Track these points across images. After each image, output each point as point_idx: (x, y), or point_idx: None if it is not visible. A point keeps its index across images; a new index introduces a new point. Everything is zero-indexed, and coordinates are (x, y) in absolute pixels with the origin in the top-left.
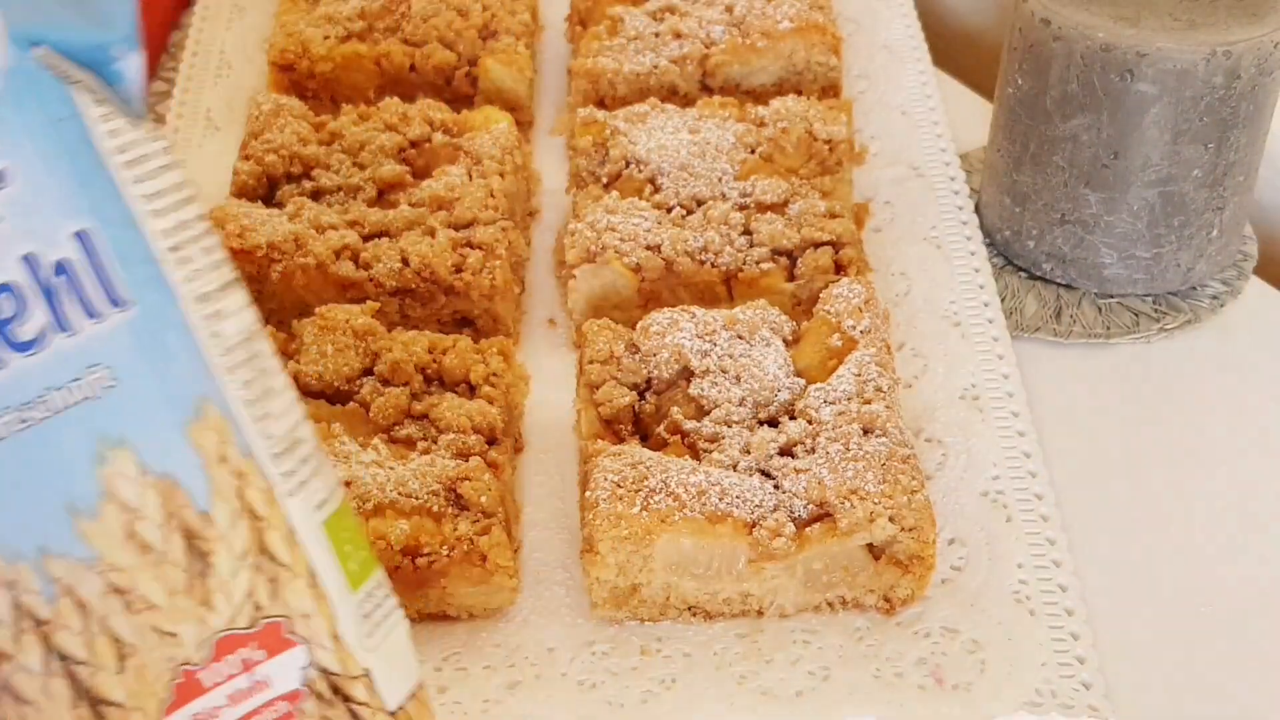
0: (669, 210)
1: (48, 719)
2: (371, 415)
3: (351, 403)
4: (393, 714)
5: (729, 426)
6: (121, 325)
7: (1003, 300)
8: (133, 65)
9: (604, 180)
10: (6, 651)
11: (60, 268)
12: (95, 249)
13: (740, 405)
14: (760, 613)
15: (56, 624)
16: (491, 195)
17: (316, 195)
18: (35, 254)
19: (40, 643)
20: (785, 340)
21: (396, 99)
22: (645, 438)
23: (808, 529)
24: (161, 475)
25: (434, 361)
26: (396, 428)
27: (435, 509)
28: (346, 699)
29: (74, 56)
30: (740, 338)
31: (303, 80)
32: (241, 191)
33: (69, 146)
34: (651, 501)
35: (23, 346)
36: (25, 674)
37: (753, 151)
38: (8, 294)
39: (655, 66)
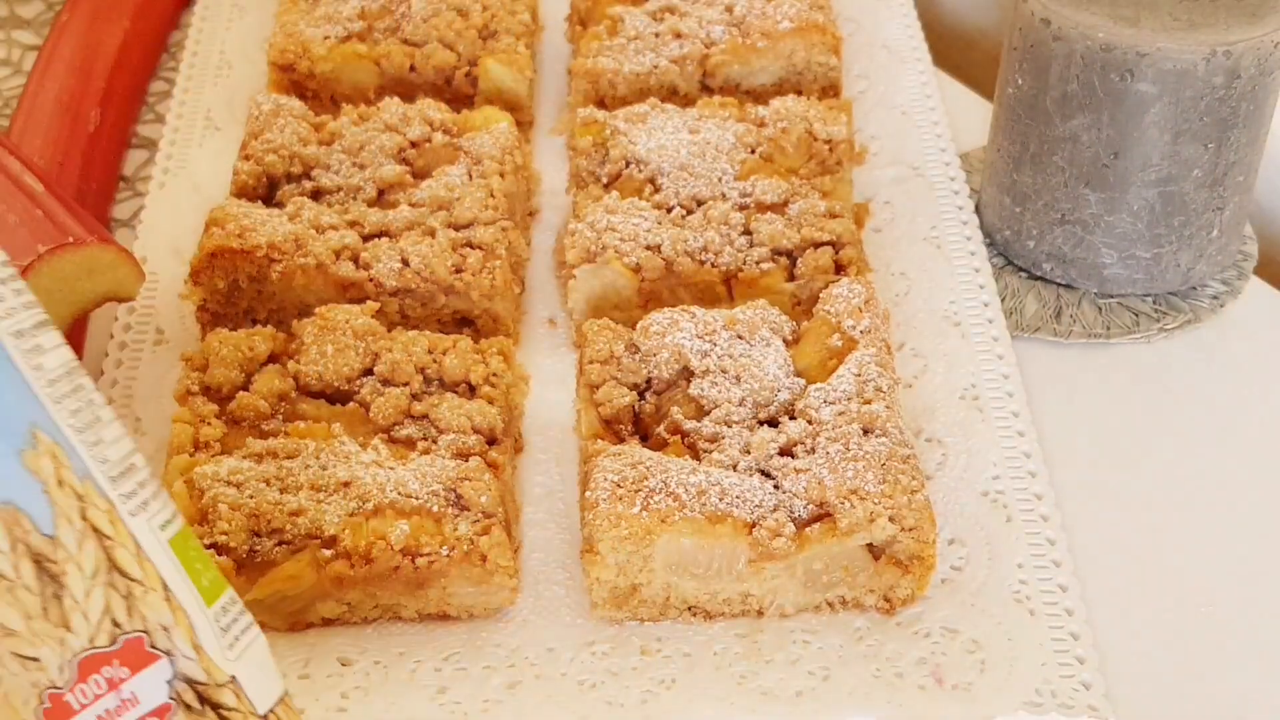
0: (669, 210)
1: None
2: (371, 415)
3: (351, 403)
4: (263, 717)
5: (729, 426)
6: None
7: (1003, 300)
8: None
9: (604, 180)
10: None
11: None
12: None
13: (740, 405)
14: (760, 613)
15: None
16: (491, 195)
17: (316, 195)
18: None
19: None
20: (785, 340)
21: (396, 99)
22: (645, 438)
23: (808, 529)
24: (3, 503)
25: (434, 362)
26: (396, 428)
27: (435, 509)
28: (216, 706)
29: None
30: (740, 338)
31: (303, 80)
32: (241, 192)
33: None
34: (651, 501)
35: None
36: None
37: (753, 151)
38: None
39: (655, 66)
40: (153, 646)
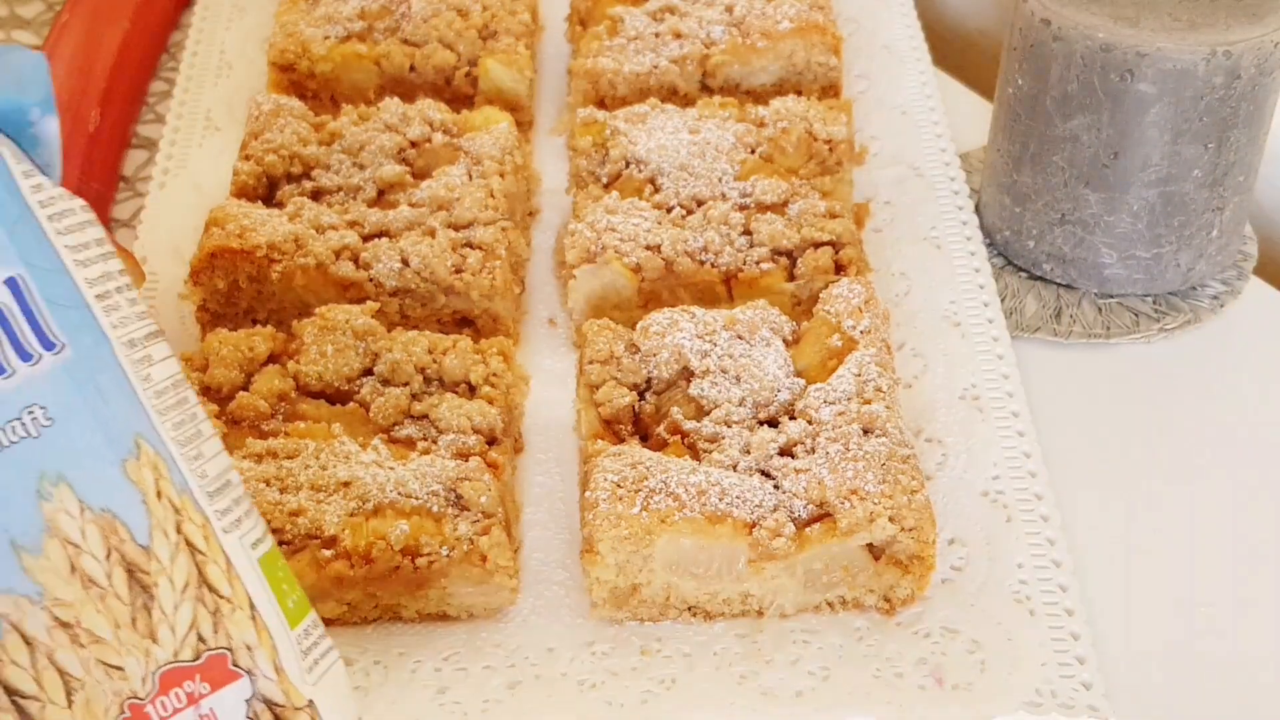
0: (669, 210)
1: None
2: (371, 415)
3: (351, 403)
4: None
5: (729, 426)
6: (56, 367)
7: (1003, 300)
8: (50, 129)
9: (604, 180)
10: None
11: None
12: (26, 295)
13: (740, 405)
14: (760, 613)
15: (4, 659)
16: (491, 195)
17: (316, 195)
18: None
19: None
20: (785, 340)
21: (396, 99)
22: (645, 438)
23: (808, 529)
24: (101, 510)
25: (434, 362)
26: (396, 428)
27: (435, 509)
28: None
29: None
30: (740, 338)
31: (303, 80)
32: (241, 192)
33: None
34: (651, 501)
35: None
36: None
37: (753, 152)
38: None
39: (655, 67)
40: (235, 665)
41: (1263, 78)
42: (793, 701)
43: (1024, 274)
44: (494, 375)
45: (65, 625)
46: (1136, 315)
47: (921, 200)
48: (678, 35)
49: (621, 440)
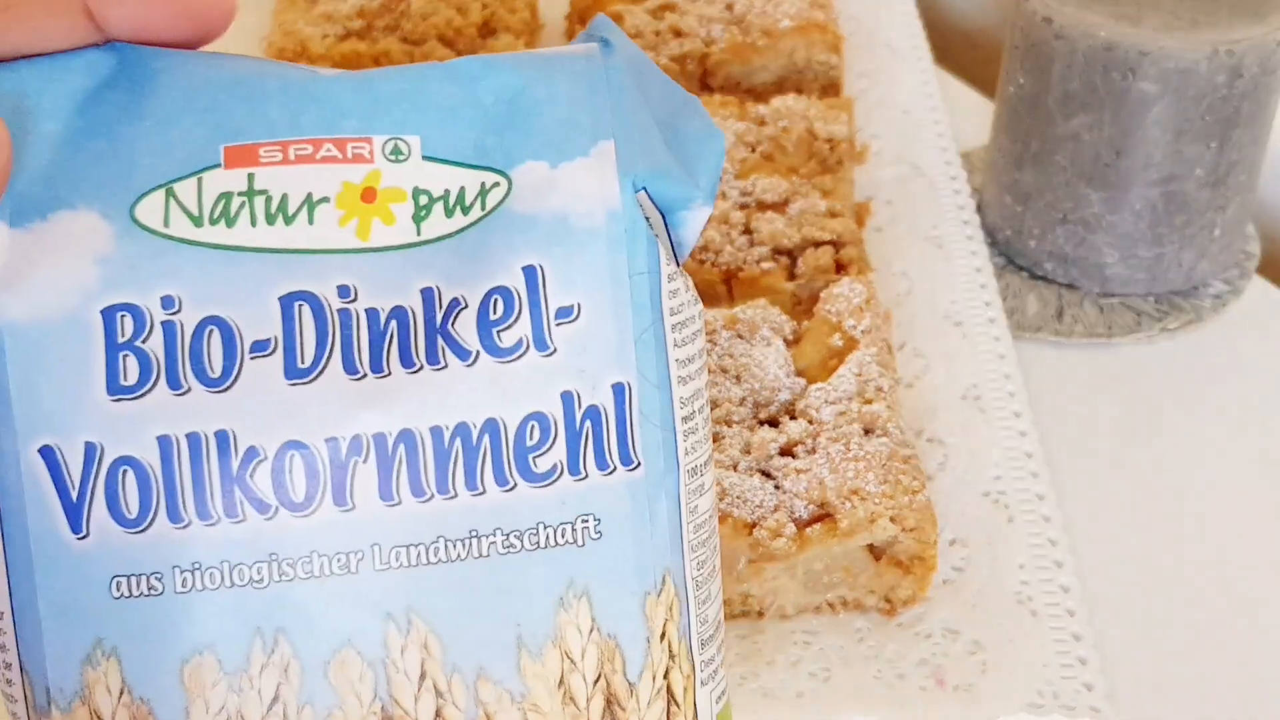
0: None
1: None
2: None
3: None
4: None
5: (729, 426)
6: (624, 484)
7: (1004, 300)
8: (699, 218)
9: None
10: None
11: (590, 413)
12: (626, 405)
13: (740, 405)
14: (760, 614)
15: None
16: None
17: None
18: (574, 393)
19: None
20: (786, 340)
21: None
22: None
23: (808, 529)
24: (608, 636)
25: None
26: None
27: None
28: None
29: (659, 203)
30: (740, 337)
31: None
32: None
33: (639, 301)
34: None
35: (536, 477)
36: None
37: (753, 150)
38: (539, 423)
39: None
40: None
41: (1265, 76)
42: (793, 703)
43: (1025, 273)
44: None
45: None
46: (1139, 315)
47: (923, 199)
48: (678, 33)
49: None
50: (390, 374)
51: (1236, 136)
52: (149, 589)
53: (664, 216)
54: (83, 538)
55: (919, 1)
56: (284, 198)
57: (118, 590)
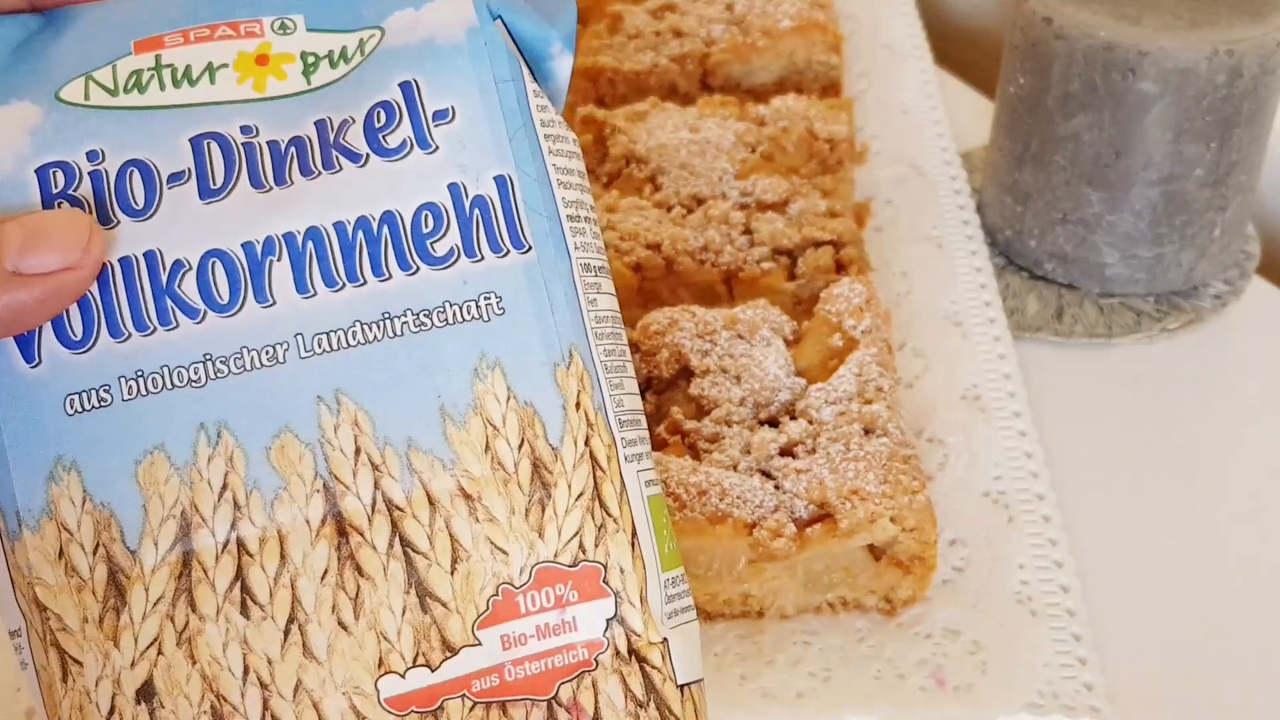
0: (669, 209)
1: (381, 596)
2: None
3: None
4: (681, 688)
5: (729, 426)
6: (519, 265)
7: (1004, 300)
8: (564, 68)
9: (604, 179)
10: (359, 528)
11: (478, 202)
12: (510, 195)
13: (741, 405)
14: (761, 614)
15: (407, 512)
16: None
17: None
18: (460, 184)
19: (389, 526)
20: (786, 340)
21: None
22: None
23: (808, 529)
24: (525, 403)
25: None
26: None
27: None
28: (642, 660)
29: (520, 42)
30: (740, 337)
31: None
32: None
33: (507, 104)
34: None
35: (435, 260)
36: (370, 551)
37: (753, 150)
38: (431, 212)
39: (655, 65)
40: (605, 582)
41: (1265, 76)
42: (793, 702)
43: (1025, 273)
44: None
45: (467, 497)
46: (1138, 315)
47: (923, 199)
48: (678, 33)
49: None
50: (293, 184)
51: (1236, 137)
52: (99, 401)
53: (528, 63)
54: (35, 365)
55: (919, 2)
56: (187, 67)
57: (71, 408)
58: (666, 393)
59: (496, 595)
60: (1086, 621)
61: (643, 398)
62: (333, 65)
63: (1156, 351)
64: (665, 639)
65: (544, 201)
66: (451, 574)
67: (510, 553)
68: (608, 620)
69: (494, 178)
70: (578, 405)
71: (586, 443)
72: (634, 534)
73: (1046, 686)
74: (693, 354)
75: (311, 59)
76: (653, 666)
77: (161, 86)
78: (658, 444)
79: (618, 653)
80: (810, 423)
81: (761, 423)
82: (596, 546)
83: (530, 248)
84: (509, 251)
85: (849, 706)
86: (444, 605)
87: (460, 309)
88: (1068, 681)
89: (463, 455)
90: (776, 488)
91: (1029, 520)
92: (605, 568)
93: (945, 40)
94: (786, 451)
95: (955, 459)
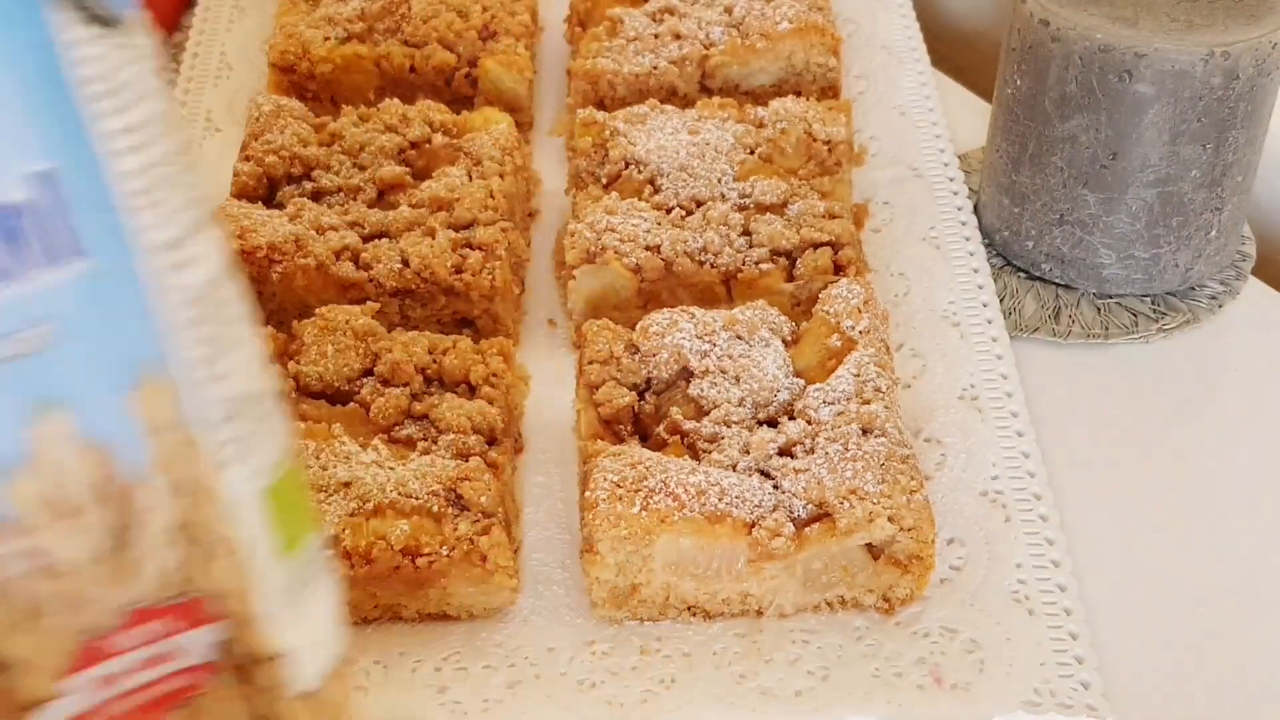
0: (668, 211)
1: None
2: (372, 415)
3: (352, 403)
4: (302, 696)
5: (728, 426)
6: (74, 279)
7: (1001, 300)
8: None
9: (604, 181)
10: None
11: (8, 213)
12: (60, 192)
13: (740, 405)
14: (760, 612)
15: None
16: (491, 196)
17: (317, 196)
18: None
19: None
20: (784, 340)
21: (396, 100)
22: (645, 438)
23: (807, 529)
24: (96, 440)
25: (434, 362)
26: (397, 428)
27: (435, 509)
28: (256, 678)
29: None
30: (740, 338)
31: (303, 81)
32: (242, 193)
33: (33, 80)
34: (651, 501)
35: None
36: None
37: (752, 152)
38: None
39: (655, 67)
40: (212, 606)
41: (1261, 78)
42: (792, 701)
43: (1023, 274)
44: (494, 375)
45: (36, 554)
46: (1135, 315)
47: (920, 201)
48: (677, 36)
49: (621, 440)
50: None
51: (1232, 138)
52: None
53: None
54: None
55: (916, 4)
56: None
57: None
58: (666, 393)
59: (86, 642)
60: (1083, 620)
61: (642, 398)
62: None
63: (1153, 352)
64: (282, 650)
65: (97, 189)
66: (27, 633)
67: (97, 599)
68: (217, 644)
69: (32, 176)
70: (164, 426)
71: (181, 466)
72: (241, 549)
73: (1043, 684)
74: (692, 354)
75: None
76: (268, 684)
77: None
78: (657, 444)
79: (228, 674)
80: (809, 423)
81: (760, 423)
82: (197, 575)
83: (87, 253)
84: (61, 263)
85: (847, 705)
86: (20, 663)
87: (4, 344)
88: (1064, 679)
89: (24, 510)
90: (775, 487)
91: (1026, 519)
92: (211, 594)
93: (943, 42)
94: (785, 451)
95: (953, 458)
